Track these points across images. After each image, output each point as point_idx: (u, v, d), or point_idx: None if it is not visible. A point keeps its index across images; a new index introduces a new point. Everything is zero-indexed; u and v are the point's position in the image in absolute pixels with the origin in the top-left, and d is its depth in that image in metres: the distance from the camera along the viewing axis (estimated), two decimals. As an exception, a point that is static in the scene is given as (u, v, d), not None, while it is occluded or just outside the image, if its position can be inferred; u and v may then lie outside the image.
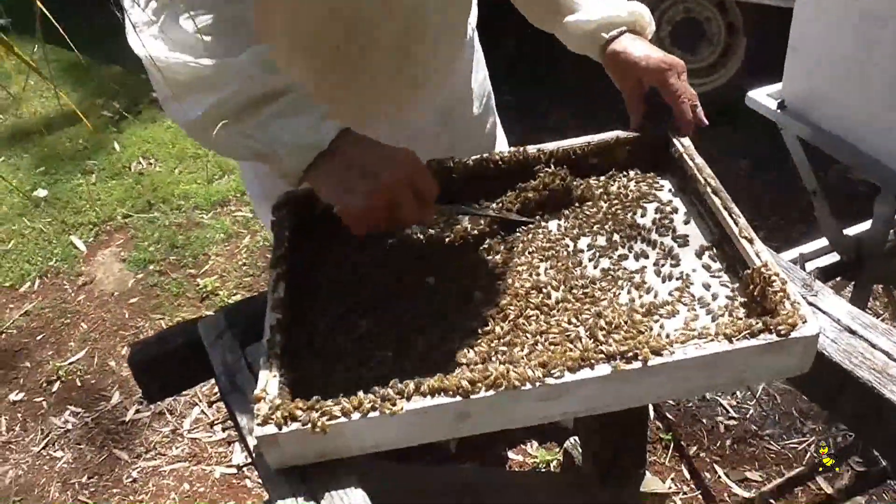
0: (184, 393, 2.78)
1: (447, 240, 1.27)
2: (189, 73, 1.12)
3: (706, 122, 1.35)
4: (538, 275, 1.16)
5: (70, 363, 3.02)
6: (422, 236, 1.28)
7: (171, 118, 1.20)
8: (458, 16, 1.56)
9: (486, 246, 1.24)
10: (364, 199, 1.07)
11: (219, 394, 2.14)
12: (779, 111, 2.06)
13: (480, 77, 1.73)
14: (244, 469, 2.54)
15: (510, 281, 1.15)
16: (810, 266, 2.14)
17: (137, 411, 2.80)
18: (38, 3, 0.72)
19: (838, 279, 2.20)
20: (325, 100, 1.18)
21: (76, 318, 3.25)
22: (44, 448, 2.70)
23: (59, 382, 2.95)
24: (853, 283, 2.18)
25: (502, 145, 1.84)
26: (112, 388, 2.91)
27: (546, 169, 1.32)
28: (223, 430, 2.68)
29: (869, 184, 2.74)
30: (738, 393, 2.54)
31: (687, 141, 1.33)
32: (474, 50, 1.71)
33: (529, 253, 1.21)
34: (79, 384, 2.94)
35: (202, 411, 2.76)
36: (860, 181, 3.30)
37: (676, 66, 1.35)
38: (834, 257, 2.18)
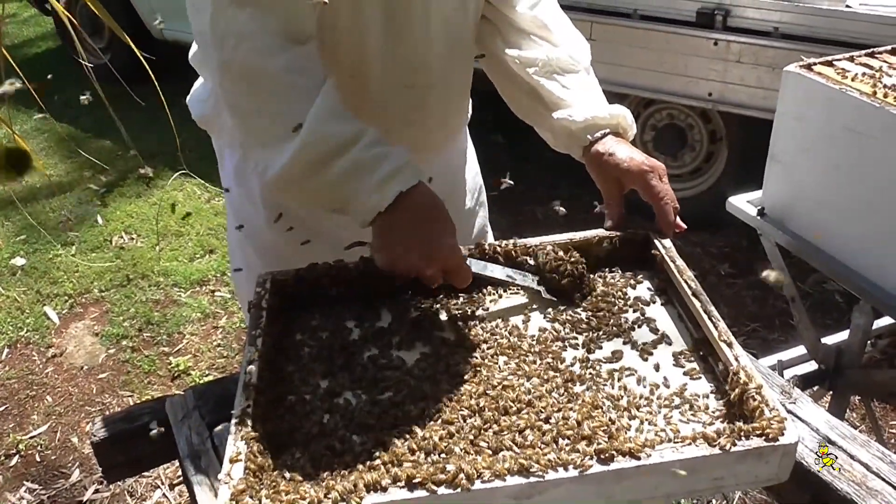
0: (146, 474, 2.69)
1: (444, 315, 1.27)
2: (262, 128, 1.21)
3: (684, 226, 1.37)
4: (518, 369, 1.15)
5: (31, 437, 2.94)
6: (417, 313, 1.28)
7: (252, 168, 1.32)
8: (461, 66, 1.55)
9: (475, 328, 1.24)
10: (391, 264, 1.19)
11: (181, 476, 2.07)
12: (758, 218, 2.09)
13: (472, 172, 1.76)
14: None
15: (491, 371, 1.13)
16: (789, 373, 2.13)
17: (97, 491, 2.70)
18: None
19: (816, 388, 2.20)
20: None
21: (42, 390, 3.17)
22: (-6, 526, 2.60)
23: (17, 457, 2.86)
24: (831, 392, 2.18)
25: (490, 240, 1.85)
26: (72, 466, 2.81)
27: (571, 257, 1.32)
28: (184, 515, 2.59)
29: (846, 292, 2.77)
30: (713, 501, 2.49)
31: (668, 242, 1.34)
32: (467, 141, 1.74)
33: (512, 346, 1.20)
34: (38, 459, 2.85)
35: (164, 494, 2.66)
36: (837, 290, 3.33)
37: (657, 168, 1.37)
38: (812, 365, 2.18)
